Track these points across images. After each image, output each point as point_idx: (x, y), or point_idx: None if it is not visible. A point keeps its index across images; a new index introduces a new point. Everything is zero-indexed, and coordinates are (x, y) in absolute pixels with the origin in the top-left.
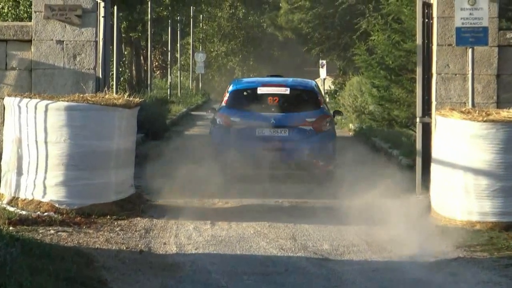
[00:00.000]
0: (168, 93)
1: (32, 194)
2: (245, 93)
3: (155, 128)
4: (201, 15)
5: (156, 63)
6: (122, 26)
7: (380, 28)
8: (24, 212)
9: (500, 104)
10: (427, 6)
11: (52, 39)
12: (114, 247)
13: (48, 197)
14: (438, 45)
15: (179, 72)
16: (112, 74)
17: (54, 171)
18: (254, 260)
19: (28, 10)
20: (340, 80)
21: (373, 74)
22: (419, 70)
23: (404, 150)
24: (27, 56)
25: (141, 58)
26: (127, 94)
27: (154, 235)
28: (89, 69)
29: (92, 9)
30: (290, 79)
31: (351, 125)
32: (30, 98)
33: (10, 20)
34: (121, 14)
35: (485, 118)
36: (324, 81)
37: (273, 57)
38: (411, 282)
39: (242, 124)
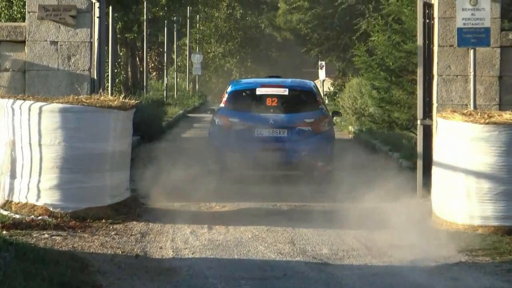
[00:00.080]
0: (164, 94)
1: (26, 197)
2: (244, 94)
3: (151, 131)
4: (198, 16)
5: (152, 64)
6: (118, 26)
7: (380, 29)
8: (17, 216)
9: (502, 106)
10: (428, 6)
11: (46, 40)
12: (109, 252)
13: (42, 200)
14: (439, 46)
15: (175, 73)
16: (107, 75)
17: (48, 174)
18: (252, 264)
19: (22, 10)
20: (340, 82)
21: (373, 75)
22: (420, 72)
23: (404, 153)
24: (21, 57)
25: (137, 59)
26: (122, 95)
27: (150, 239)
28: (83, 70)
29: (86, 10)
30: (289, 80)
31: (350, 128)
32: (24, 99)
33: (3, 20)
34: (116, 14)
35: (487, 121)
36: (323, 83)
37: (271, 58)
38: (412, 287)
39: (241, 125)
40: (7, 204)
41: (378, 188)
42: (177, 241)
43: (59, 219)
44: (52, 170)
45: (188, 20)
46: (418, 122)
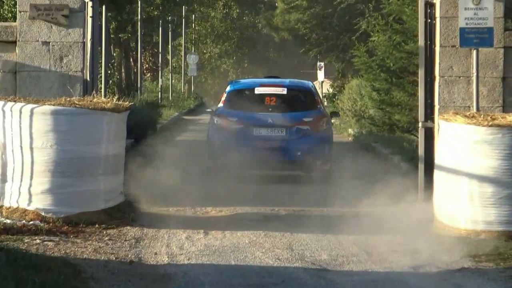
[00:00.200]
0: (159, 96)
1: (17, 202)
2: (242, 93)
3: (145, 133)
4: (193, 15)
5: (147, 65)
6: (111, 26)
7: (380, 29)
8: (8, 221)
9: (506, 108)
10: (429, 5)
11: (38, 40)
12: (103, 257)
13: (33, 205)
14: (441, 46)
15: (170, 74)
16: (101, 76)
17: (40, 178)
18: (249, 270)
19: (13, 9)
20: (339, 83)
21: (373, 76)
22: (421, 73)
23: (405, 156)
24: (12, 58)
25: (131, 60)
26: (116, 97)
27: (144, 244)
28: (76, 71)
29: (79, 9)
30: (287, 80)
31: (350, 130)
32: (15, 101)
33: None
34: (110, 14)
35: (490, 123)
36: (322, 84)
37: (268, 59)
38: None
39: (240, 124)
40: None
41: (378, 192)
42: (173, 246)
43: (51, 224)
44: (44, 174)
45: (183, 19)
46: (420, 124)
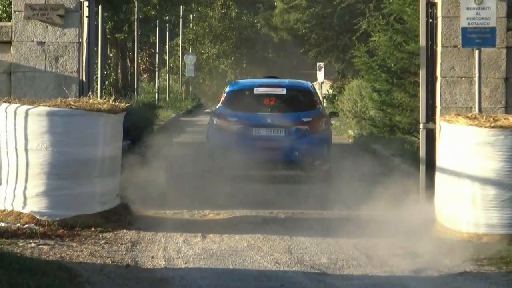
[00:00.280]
0: (156, 97)
1: (12, 205)
2: (242, 93)
3: (142, 135)
4: (191, 15)
5: (143, 66)
6: (107, 26)
7: (381, 29)
8: (3, 224)
9: (508, 109)
10: (431, 5)
11: (33, 40)
12: (98, 261)
13: (28, 208)
14: (442, 46)
15: (167, 75)
16: (97, 77)
17: (35, 180)
18: (248, 275)
19: (7, 9)
20: (339, 84)
21: (373, 77)
22: (422, 73)
23: (406, 158)
24: (6, 59)
25: (128, 60)
26: (112, 98)
27: (141, 248)
28: (72, 72)
29: (75, 9)
30: (287, 80)
31: (350, 132)
32: (9, 102)
33: None
34: (106, 14)
35: (492, 124)
36: (321, 85)
37: (267, 59)
38: None
39: (239, 124)
40: None
41: (379, 194)
42: (170, 250)
43: (46, 228)
44: (39, 176)
45: (181, 19)
46: (421, 126)
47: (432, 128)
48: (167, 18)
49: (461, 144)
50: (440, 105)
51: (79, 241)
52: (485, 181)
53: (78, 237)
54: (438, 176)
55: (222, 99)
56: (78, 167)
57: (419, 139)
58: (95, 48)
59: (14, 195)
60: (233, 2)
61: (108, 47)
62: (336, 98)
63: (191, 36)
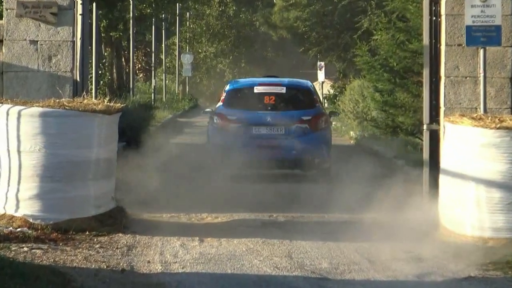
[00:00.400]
0: (152, 97)
1: (4, 208)
2: (242, 92)
3: (138, 136)
4: (188, 13)
5: (139, 65)
6: (102, 25)
7: (383, 27)
8: None
9: None
10: (434, 2)
11: (25, 39)
12: (93, 266)
13: (21, 211)
14: (446, 45)
15: (164, 75)
16: (91, 77)
17: (27, 183)
18: (247, 279)
19: None
20: (340, 84)
21: (375, 77)
22: (426, 73)
23: (409, 159)
24: None
25: (123, 59)
26: (107, 99)
27: (137, 252)
28: (65, 71)
29: (68, 7)
30: (286, 79)
31: (352, 133)
32: (1, 103)
33: None
34: (100, 11)
35: (498, 125)
36: (322, 85)
37: (266, 59)
38: None
39: (239, 123)
40: None
41: (381, 197)
42: (166, 254)
43: (39, 231)
44: (32, 179)
45: (177, 17)
46: (424, 127)
47: (436, 129)
48: (163, 16)
49: (466, 145)
50: (444, 105)
51: (73, 245)
52: (490, 183)
53: (72, 241)
54: (442, 178)
55: (222, 98)
56: (72, 169)
57: (422, 140)
58: (89, 47)
59: (7, 198)
60: (231, 0)
61: (102, 46)
62: (337, 98)
63: (188, 34)
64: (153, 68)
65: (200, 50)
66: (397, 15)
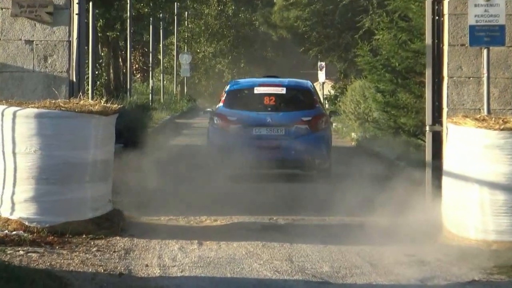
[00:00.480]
0: (150, 98)
1: None
2: (242, 93)
3: (135, 138)
4: (186, 12)
5: (137, 66)
6: (98, 24)
7: (385, 27)
8: None
9: None
10: (437, 2)
11: (21, 39)
12: (90, 270)
13: (16, 214)
14: (449, 45)
15: (162, 75)
16: (87, 77)
17: (23, 185)
18: (247, 283)
19: None
20: (341, 84)
21: (377, 77)
22: (428, 73)
23: (412, 161)
24: None
25: (120, 60)
26: (104, 99)
27: (135, 256)
28: (61, 72)
29: (64, 6)
30: (286, 80)
31: (353, 134)
32: None
33: None
34: (97, 11)
35: (502, 126)
36: (323, 85)
37: (266, 59)
38: None
39: (239, 123)
40: None
41: (383, 200)
42: (165, 258)
43: (35, 234)
44: (27, 181)
45: (175, 17)
46: (427, 128)
47: (438, 131)
48: (161, 15)
49: (469, 147)
50: (447, 106)
51: (69, 249)
52: (494, 185)
53: (68, 244)
54: (445, 180)
55: (222, 98)
56: (68, 171)
57: (425, 142)
58: (86, 47)
59: (2, 201)
60: None
61: (99, 46)
62: (338, 99)
63: (186, 34)
64: (150, 69)
65: (198, 50)
66: (399, 15)
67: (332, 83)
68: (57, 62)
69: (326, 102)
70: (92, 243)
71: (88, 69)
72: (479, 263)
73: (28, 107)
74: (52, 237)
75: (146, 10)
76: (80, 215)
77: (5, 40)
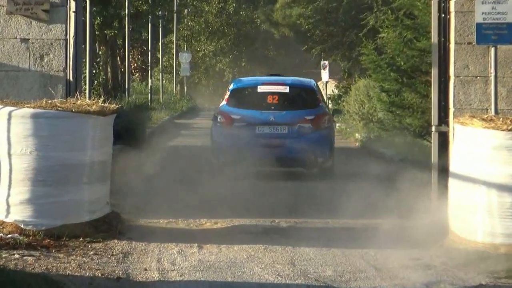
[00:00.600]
0: (149, 98)
1: None
2: (245, 91)
3: (134, 138)
4: (186, 10)
5: (135, 65)
6: (96, 22)
7: (390, 24)
8: None
9: None
10: None
11: (16, 37)
12: (87, 274)
13: (12, 216)
14: (456, 43)
15: (161, 74)
16: (85, 76)
17: (18, 187)
18: None
19: None
20: (345, 84)
21: (382, 76)
22: (434, 72)
23: (417, 163)
24: None
25: (118, 58)
26: (101, 99)
27: (133, 259)
28: (58, 71)
29: (61, 3)
30: (290, 78)
31: (357, 135)
32: None
33: None
34: (94, 8)
35: (510, 127)
36: (326, 85)
37: (268, 58)
38: None
39: (243, 122)
40: None
41: (388, 202)
42: (164, 261)
43: (31, 238)
44: (23, 183)
45: (175, 14)
46: (433, 128)
47: (445, 131)
48: (160, 13)
49: (476, 148)
50: (454, 106)
51: (66, 252)
52: (502, 187)
53: (65, 247)
54: (451, 182)
55: (226, 97)
56: (65, 173)
57: (431, 142)
58: (83, 46)
59: None
60: None
61: (96, 44)
62: (342, 99)
63: (186, 32)
64: (149, 68)
65: (198, 49)
66: (405, 12)
67: (336, 83)
68: (53, 61)
69: (330, 102)
70: (89, 246)
71: (85, 68)
72: (487, 267)
73: (24, 107)
74: (48, 240)
75: (145, 7)
76: (77, 218)
77: (0, 39)
